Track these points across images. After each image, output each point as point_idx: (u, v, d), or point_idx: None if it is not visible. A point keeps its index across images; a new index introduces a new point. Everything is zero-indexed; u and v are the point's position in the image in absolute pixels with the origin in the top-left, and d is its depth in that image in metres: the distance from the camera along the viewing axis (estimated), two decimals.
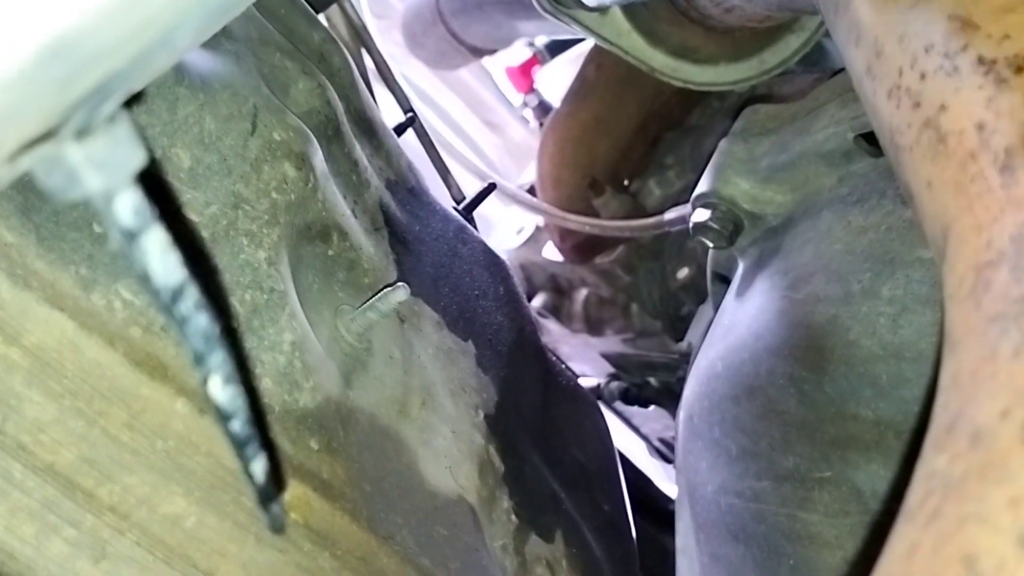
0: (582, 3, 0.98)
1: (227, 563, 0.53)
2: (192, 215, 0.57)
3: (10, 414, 0.48)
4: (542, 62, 1.98)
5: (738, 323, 0.95)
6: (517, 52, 2.00)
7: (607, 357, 1.52)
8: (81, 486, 0.49)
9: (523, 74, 2.02)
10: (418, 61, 1.71)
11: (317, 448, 0.58)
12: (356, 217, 0.74)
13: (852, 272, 0.82)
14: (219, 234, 0.58)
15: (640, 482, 1.49)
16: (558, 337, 1.62)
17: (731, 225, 1.01)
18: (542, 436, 0.88)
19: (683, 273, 1.47)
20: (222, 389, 0.35)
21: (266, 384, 0.58)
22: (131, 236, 0.26)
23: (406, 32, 1.65)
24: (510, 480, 0.77)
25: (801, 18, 1.05)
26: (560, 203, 1.50)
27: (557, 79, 1.95)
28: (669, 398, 1.43)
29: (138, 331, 0.53)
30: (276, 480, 0.56)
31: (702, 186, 1.01)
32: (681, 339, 1.45)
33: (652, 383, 1.47)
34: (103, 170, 0.25)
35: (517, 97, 2.09)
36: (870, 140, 0.86)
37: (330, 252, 0.69)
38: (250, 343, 0.58)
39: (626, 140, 1.54)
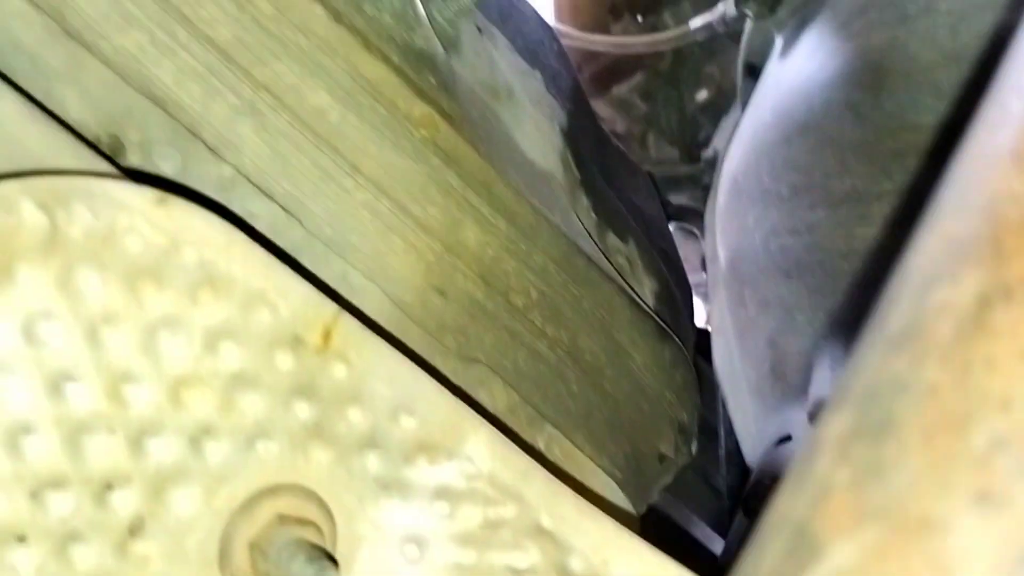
0: None
1: (368, 160, 0.55)
2: None
3: None
4: None
5: (786, 75, 0.97)
6: None
7: None
8: (238, 62, 0.51)
9: None
10: None
11: (435, 84, 0.60)
12: None
13: None
14: None
15: None
16: None
17: None
18: (603, 173, 0.90)
19: (702, 95, 1.50)
20: None
21: (386, 19, 0.59)
22: None
23: None
24: (586, 185, 0.80)
25: None
26: (579, 30, 1.52)
27: None
28: (691, 214, 1.46)
29: None
30: None
31: None
32: (699, 161, 1.47)
33: (671, 203, 1.50)
34: None
35: None
36: None
37: None
38: None
39: None
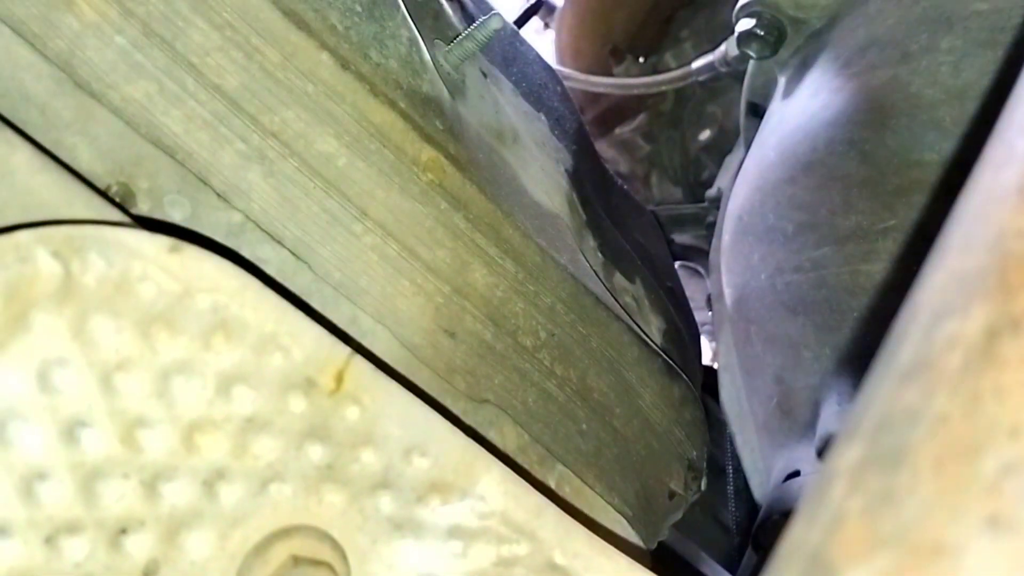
0: None
1: (376, 204, 0.56)
2: None
3: (179, 34, 0.50)
4: None
5: (788, 115, 0.98)
6: None
7: None
8: (246, 110, 0.52)
9: None
10: None
11: (442, 128, 0.61)
12: None
13: (908, 36, 0.85)
14: None
15: None
16: None
17: (776, 32, 1.04)
18: (609, 213, 0.91)
19: (704, 135, 1.51)
20: None
21: (392, 64, 0.60)
22: None
23: None
24: (592, 226, 0.80)
25: None
26: (581, 72, 1.53)
27: None
28: (695, 252, 1.47)
29: None
30: None
31: None
32: (703, 201, 1.48)
33: (675, 241, 1.50)
34: None
35: None
36: None
37: None
38: (373, 29, 0.60)
39: (642, 13, 1.57)
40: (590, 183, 0.90)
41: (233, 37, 0.52)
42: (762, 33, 1.04)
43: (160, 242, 0.37)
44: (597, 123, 1.61)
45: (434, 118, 0.61)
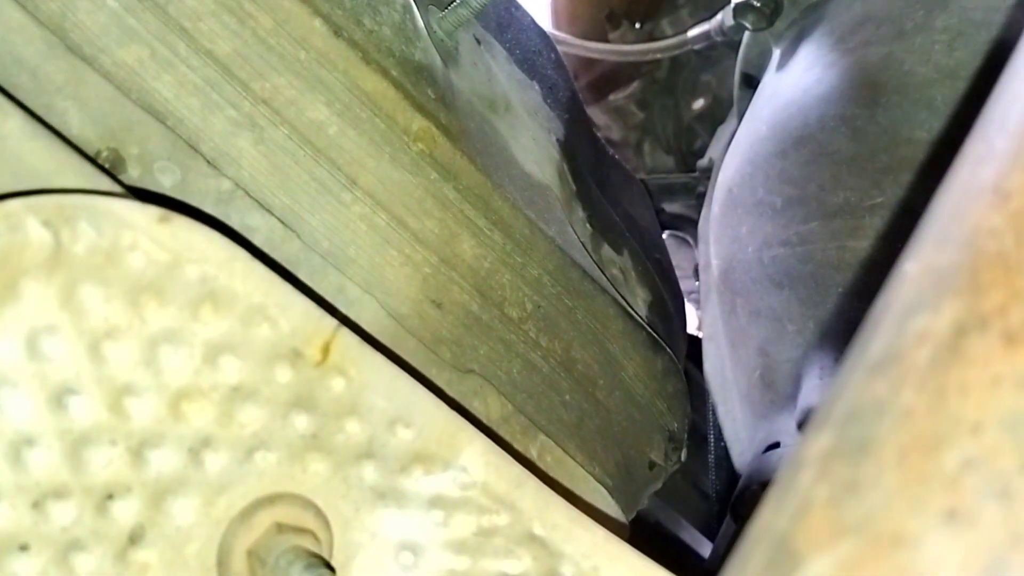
0: None
1: (366, 173, 0.56)
2: None
3: None
4: None
5: (782, 87, 0.98)
6: None
7: None
8: (238, 76, 0.52)
9: None
10: None
11: (433, 97, 0.61)
12: None
13: (904, 13, 0.85)
14: None
15: None
16: None
17: (772, 4, 1.04)
18: (599, 184, 0.91)
19: (698, 104, 1.51)
20: None
21: (385, 32, 0.60)
22: None
23: None
24: (581, 197, 0.81)
25: None
26: (576, 38, 1.52)
27: None
28: (685, 222, 1.47)
29: None
30: None
31: None
32: (695, 170, 1.48)
33: (665, 210, 1.51)
34: None
35: None
36: None
37: None
38: None
39: None
40: (581, 153, 0.90)
41: (226, 2, 0.52)
42: (759, 5, 1.04)
43: (150, 212, 0.37)
44: (591, 89, 1.60)
45: (426, 87, 0.61)
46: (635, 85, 1.57)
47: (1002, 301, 0.26)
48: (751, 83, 1.18)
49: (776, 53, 1.08)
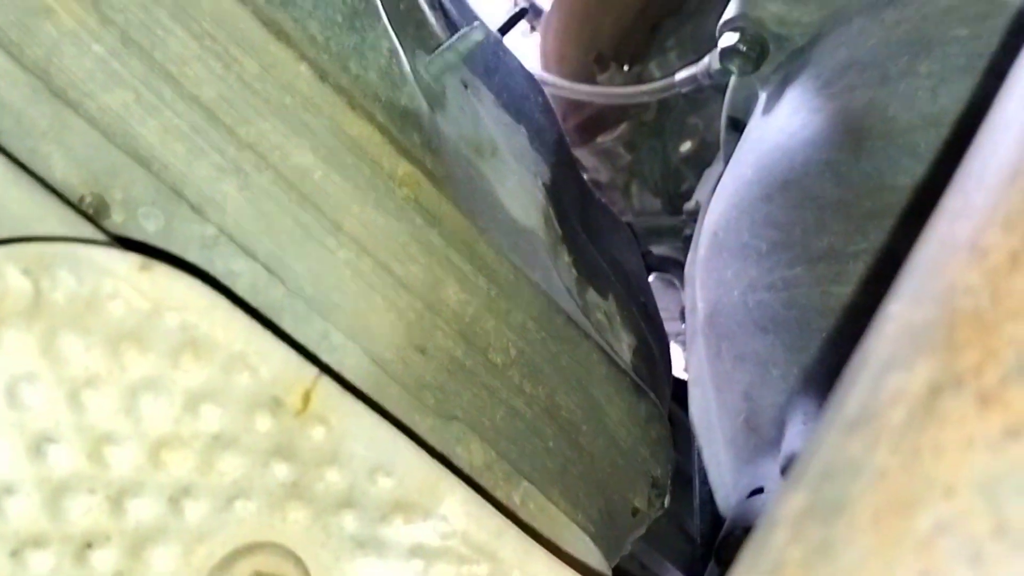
0: None
1: (350, 219, 0.56)
2: None
3: (158, 43, 0.51)
4: None
5: (767, 133, 0.99)
6: None
7: None
8: (223, 121, 0.52)
9: None
10: None
11: (419, 142, 0.62)
12: None
13: (888, 58, 0.86)
14: None
15: None
16: None
17: (758, 48, 1.05)
18: (585, 227, 0.92)
19: (686, 147, 1.52)
20: None
21: (371, 76, 0.61)
22: None
23: None
24: (567, 241, 0.81)
25: None
26: (565, 79, 1.54)
27: None
28: (672, 264, 1.48)
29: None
30: None
31: (730, 11, 1.05)
32: (682, 213, 1.49)
33: (653, 252, 1.51)
34: None
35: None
36: None
37: (402, 6, 0.72)
38: (353, 40, 0.61)
39: (628, 20, 1.58)
40: (568, 197, 0.91)
41: (212, 47, 0.52)
42: (744, 49, 1.04)
43: (131, 260, 0.37)
44: (580, 130, 1.62)
45: (412, 132, 0.62)
46: (623, 127, 1.58)
47: (977, 360, 0.26)
48: (737, 126, 1.19)
49: (762, 97, 1.08)
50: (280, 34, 0.55)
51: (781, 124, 0.95)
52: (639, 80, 1.59)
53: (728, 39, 1.05)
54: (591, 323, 0.74)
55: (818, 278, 0.84)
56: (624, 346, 0.80)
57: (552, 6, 1.63)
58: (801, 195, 0.87)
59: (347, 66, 0.59)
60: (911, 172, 0.80)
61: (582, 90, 1.45)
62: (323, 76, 0.57)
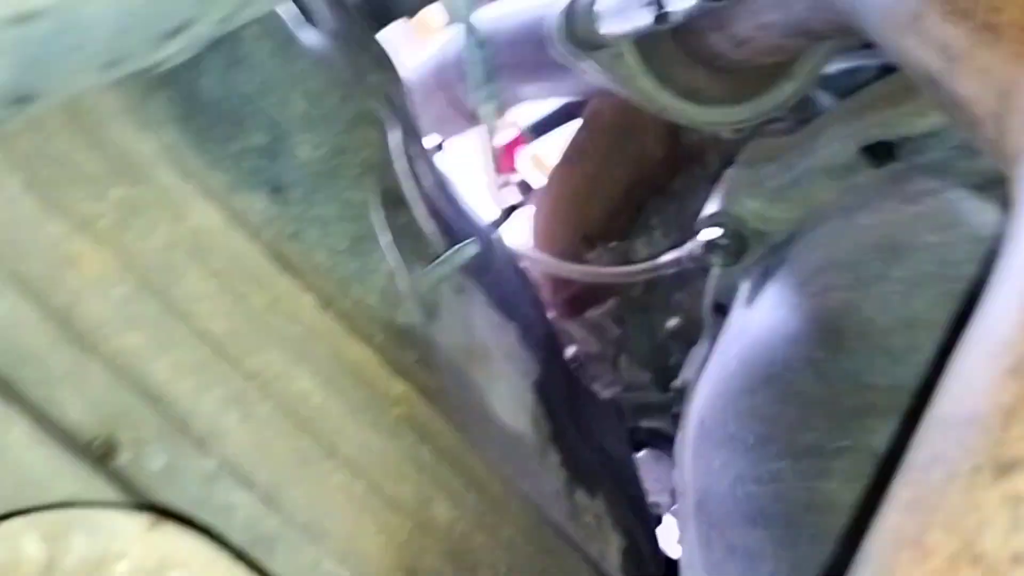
0: (599, 43, 1.08)
1: (346, 441, 0.58)
2: (306, 151, 0.64)
3: (174, 283, 0.54)
4: (526, 142, 2.08)
5: (749, 326, 1.02)
6: (502, 132, 2.09)
7: None
8: (231, 354, 0.55)
9: (507, 153, 2.11)
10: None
11: (415, 360, 0.64)
12: (418, 200, 0.82)
13: (862, 262, 0.90)
14: (328, 172, 0.65)
15: None
16: None
17: (739, 243, 1.09)
18: (574, 421, 0.94)
19: (672, 323, 1.55)
20: None
21: (371, 299, 0.64)
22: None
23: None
24: (556, 439, 0.83)
25: (794, 66, 1.15)
26: (555, 257, 1.58)
27: (539, 159, 2.04)
28: (662, 439, 1.49)
29: (270, 233, 0.59)
30: None
31: (711, 207, 1.10)
32: (669, 389, 1.51)
33: (642, 427, 1.53)
34: None
35: (498, 178, 2.16)
36: (873, 153, 0.94)
37: (400, 220, 0.76)
38: (356, 265, 0.64)
39: (615, 202, 1.63)
40: (556, 393, 0.93)
41: (224, 283, 0.55)
42: (726, 243, 1.09)
43: (141, 521, 0.39)
44: (569, 304, 1.65)
45: (408, 349, 0.64)
46: (611, 302, 1.61)
47: None
48: (722, 310, 1.22)
49: (744, 287, 1.12)
50: (288, 266, 0.59)
51: (763, 318, 0.98)
52: (626, 256, 1.63)
53: (710, 233, 1.09)
54: (580, 527, 0.75)
55: (803, 473, 0.86)
56: (613, 549, 0.81)
57: (543, 188, 1.69)
58: (785, 391, 0.89)
59: (349, 291, 0.62)
60: (889, 372, 0.82)
61: (571, 269, 1.49)
62: (326, 304, 0.59)
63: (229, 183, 0.58)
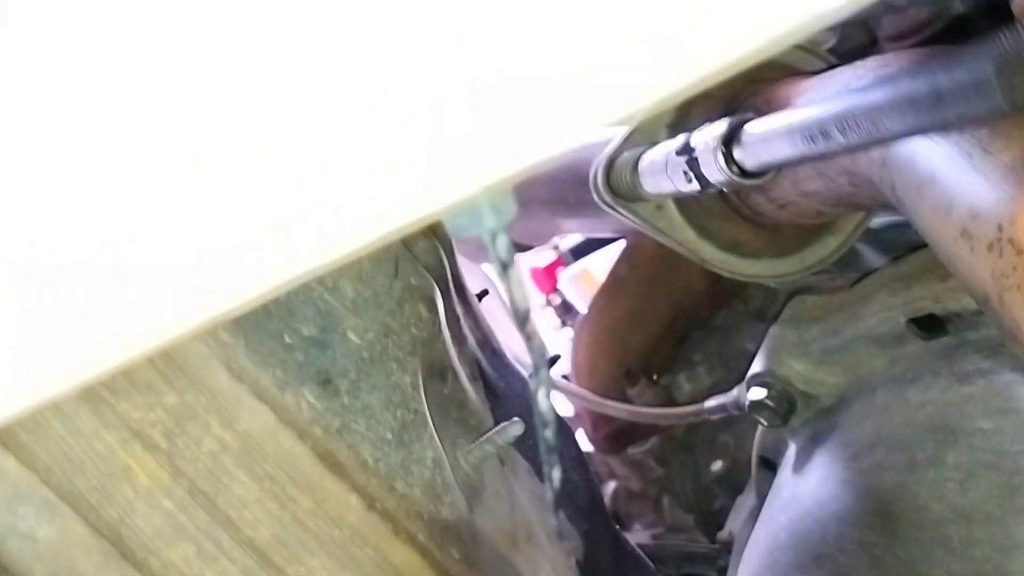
0: (640, 196, 1.08)
1: None
2: (354, 337, 0.64)
3: (222, 490, 0.53)
4: (565, 264, 2.09)
5: (799, 495, 1.00)
6: (542, 254, 2.11)
7: (641, 548, 1.55)
8: (274, 562, 0.54)
9: (547, 275, 2.11)
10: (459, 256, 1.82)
11: (458, 558, 0.63)
12: (462, 365, 0.81)
13: (915, 442, 0.88)
14: (375, 357, 0.65)
15: None
16: None
17: (786, 404, 1.07)
18: None
19: (717, 466, 1.53)
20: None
21: (416, 493, 0.63)
22: (504, 266, 0.33)
23: None
24: None
25: (839, 221, 1.15)
26: (595, 391, 1.57)
27: (580, 281, 2.05)
28: None
29: (319, 430, 0.59)
30: None
31: (756, 367, 1.08)
32: (713, 534, 1.48)
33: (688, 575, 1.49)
34: (497, 214, 0.32)
35: (540, 297, 2.17)
36: (921, 325, 0.93)
37: (446, 391, 0.75)
38: (401, 456, 0.63)
39: (657, 335, 1.62)
40: (601, 567, 0.91)
41: (271, 488, 0.55)
42: (772, 405, 1.07)
43: None
44: (610, 440, 1.63)
45: (451, 547, 0.63)
46: (654, 440, 1.60)
47: None
48: (769, 465, 1.20)
49: (792, 448, 1.10)
50: (334, 466, 0.58)
51: (812, 491, 0.96)
52: (668, 392, 1.62)
53: (756, 393, 1.07)
54: None
55: None
56: None
57: (583, 320, 1.68)
58: (836, 571, 0.87)
59: (394, 486, 0.61)
60: (944, 565, 0.80)
61: (613, 407, 1.48)
62: (371, 504, 0.59)
63: (280, 380, 0.58)
